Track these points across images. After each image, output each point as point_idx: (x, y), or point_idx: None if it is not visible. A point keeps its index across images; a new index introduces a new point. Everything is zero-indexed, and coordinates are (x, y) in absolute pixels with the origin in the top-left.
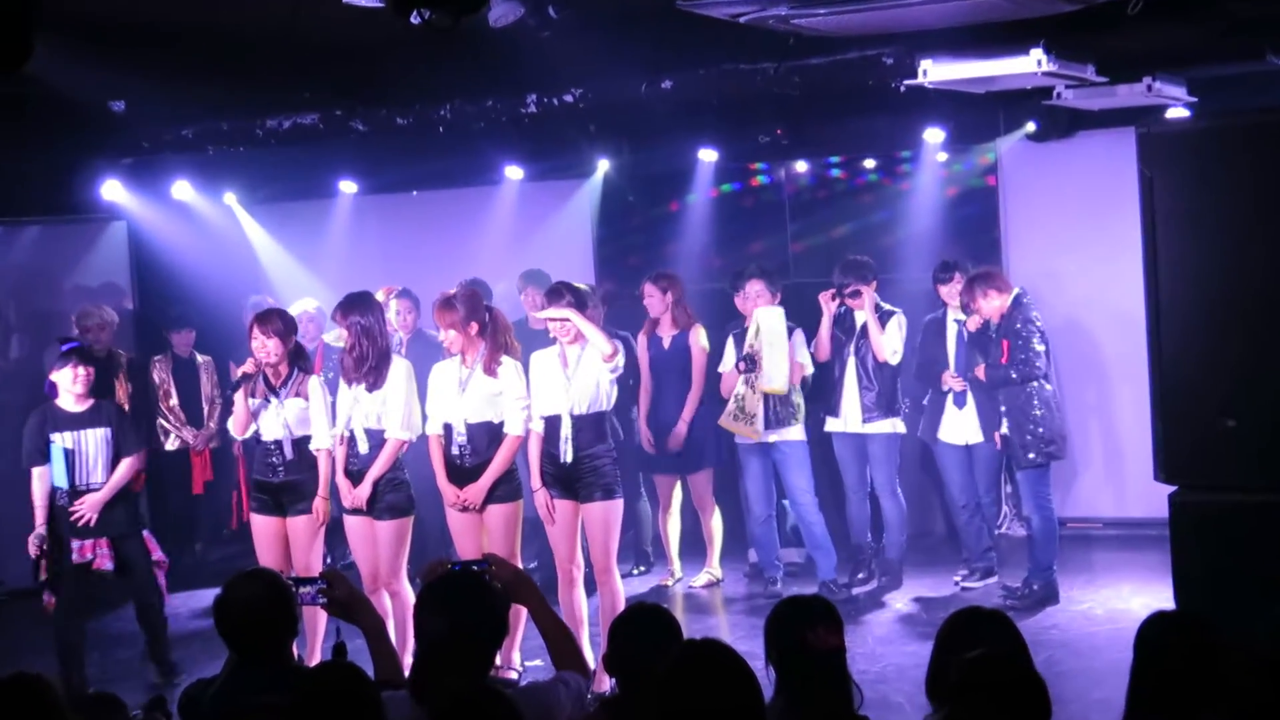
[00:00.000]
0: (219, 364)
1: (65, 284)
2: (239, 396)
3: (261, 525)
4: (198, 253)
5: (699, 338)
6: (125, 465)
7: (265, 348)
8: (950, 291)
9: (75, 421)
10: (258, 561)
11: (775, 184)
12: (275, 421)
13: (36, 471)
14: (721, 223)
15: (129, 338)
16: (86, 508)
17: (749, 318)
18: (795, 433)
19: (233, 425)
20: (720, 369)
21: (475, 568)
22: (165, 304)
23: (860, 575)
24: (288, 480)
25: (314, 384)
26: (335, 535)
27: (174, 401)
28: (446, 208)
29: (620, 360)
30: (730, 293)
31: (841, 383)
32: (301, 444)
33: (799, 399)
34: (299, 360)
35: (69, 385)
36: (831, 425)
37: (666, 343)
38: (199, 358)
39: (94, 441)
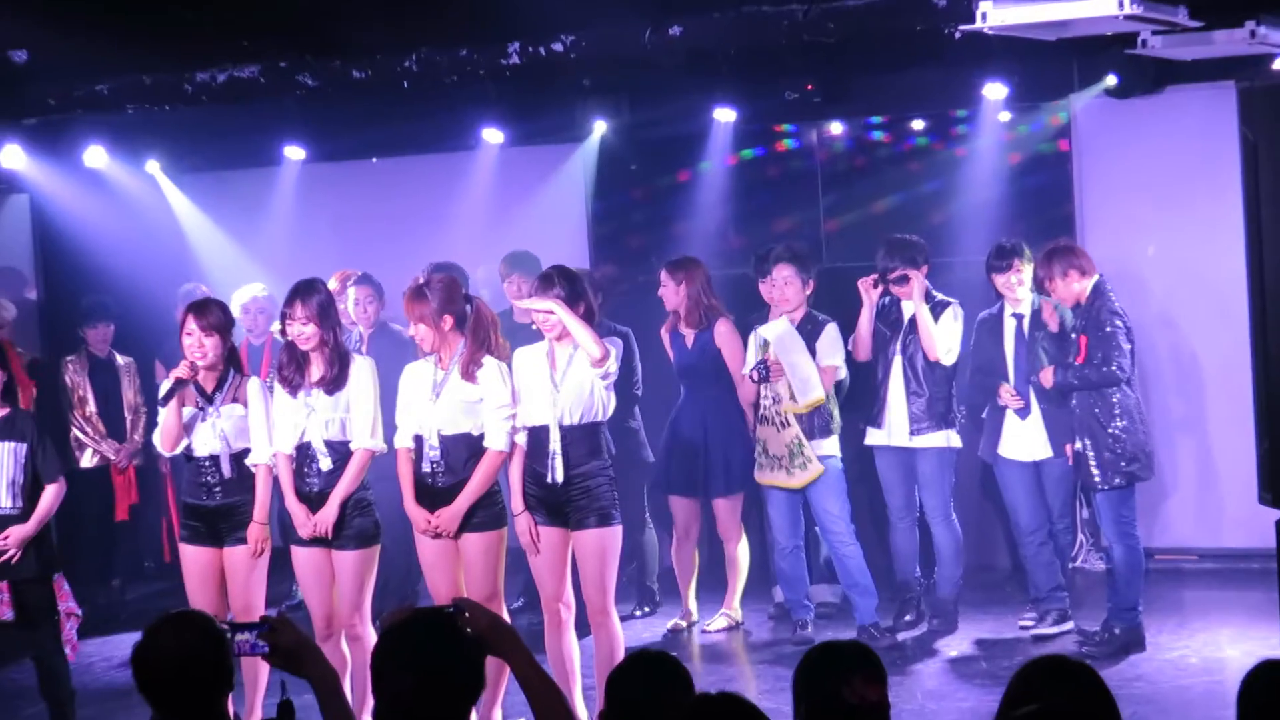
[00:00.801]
0: (143, 365)
1: None
2: (170, 407)
3: (193, 558)
4: (116, 232)
5: (724, 332)
6: (50, 494)
7: (203, 346)
8: (1007, 282)
9: None
10: (187, 602)
11: (805, 149)
12: (210, 434)
13: None
14: (741, 196)
15: (33, 334)
16: (11, 541)
17: (775, 309)
18: (828, 447)
19: (159, 439)
20: (742, 371)
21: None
22: (77, 294)
23: (907, 617)
24: (225, 503)
25: (253, 387)
26: (279, 571)
27: (90, 410)
28: (413, 178)
29: (613, 365)
30: (755, 279)
31: (885, 387)
32: (241, 459)
33: (833, 407)
34: (235, 360)
35: None
36: (873, 438)
37: (690, 341)
38: (119, 358)
39: (6, 458)
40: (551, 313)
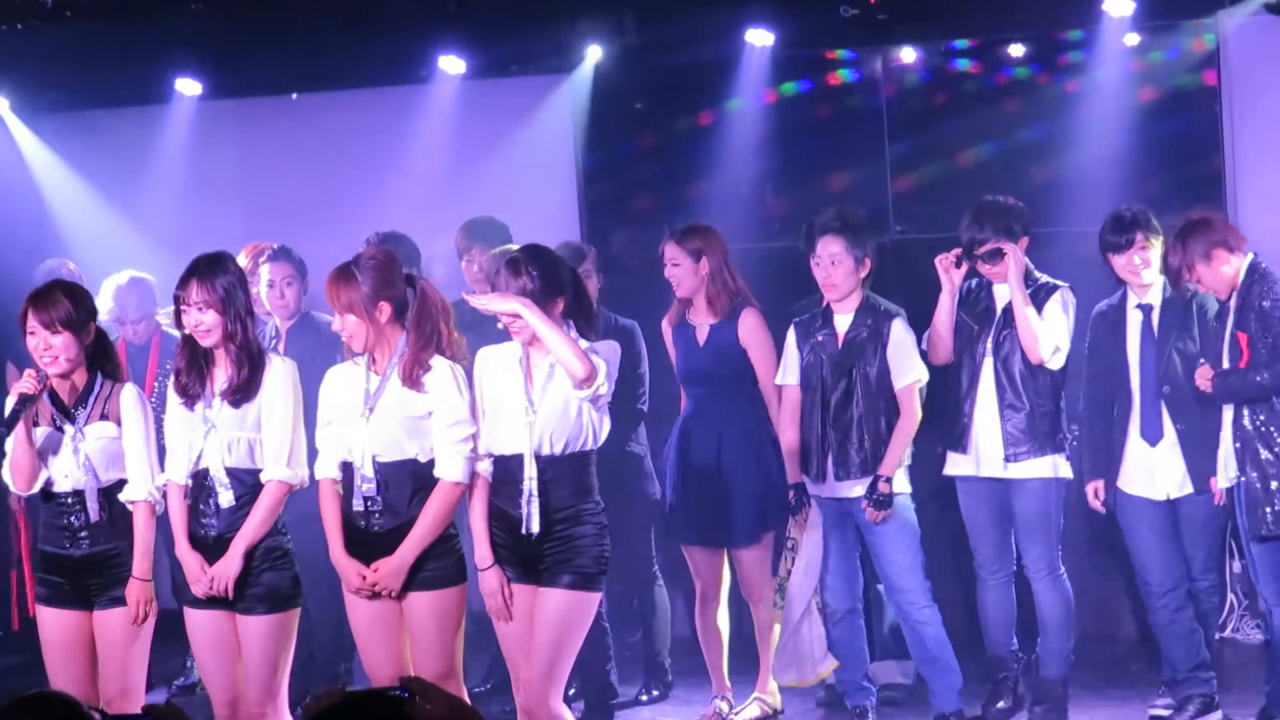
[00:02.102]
0: None
1: None
2: (18, 433)
3: (54, 624)
4: None
5: (753, 325)
6: None
7: (50, 348)
8: (1129, 264)
9: None
10: (46, 680)
11: (867, 82)
12: (71, 462)
13: None
14: (782, 144)
15: None
16: None
17: (828, 293)
18: (894, 481)
19: (8, 474)
20: (780, 379)
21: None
22: None
23: (1000, 704)
24: (94, 553)
25: (128, 397)
26: (169, 640)
27: None
28: (345, 119)
29: (603, 385)
30: (805, 255)
31: (971, 399)
32: (115, 495)
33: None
34: (102, 361)
35: None
36: (955, 467)
37: (702, 336)
38: None
39: None
40: (517, 316)
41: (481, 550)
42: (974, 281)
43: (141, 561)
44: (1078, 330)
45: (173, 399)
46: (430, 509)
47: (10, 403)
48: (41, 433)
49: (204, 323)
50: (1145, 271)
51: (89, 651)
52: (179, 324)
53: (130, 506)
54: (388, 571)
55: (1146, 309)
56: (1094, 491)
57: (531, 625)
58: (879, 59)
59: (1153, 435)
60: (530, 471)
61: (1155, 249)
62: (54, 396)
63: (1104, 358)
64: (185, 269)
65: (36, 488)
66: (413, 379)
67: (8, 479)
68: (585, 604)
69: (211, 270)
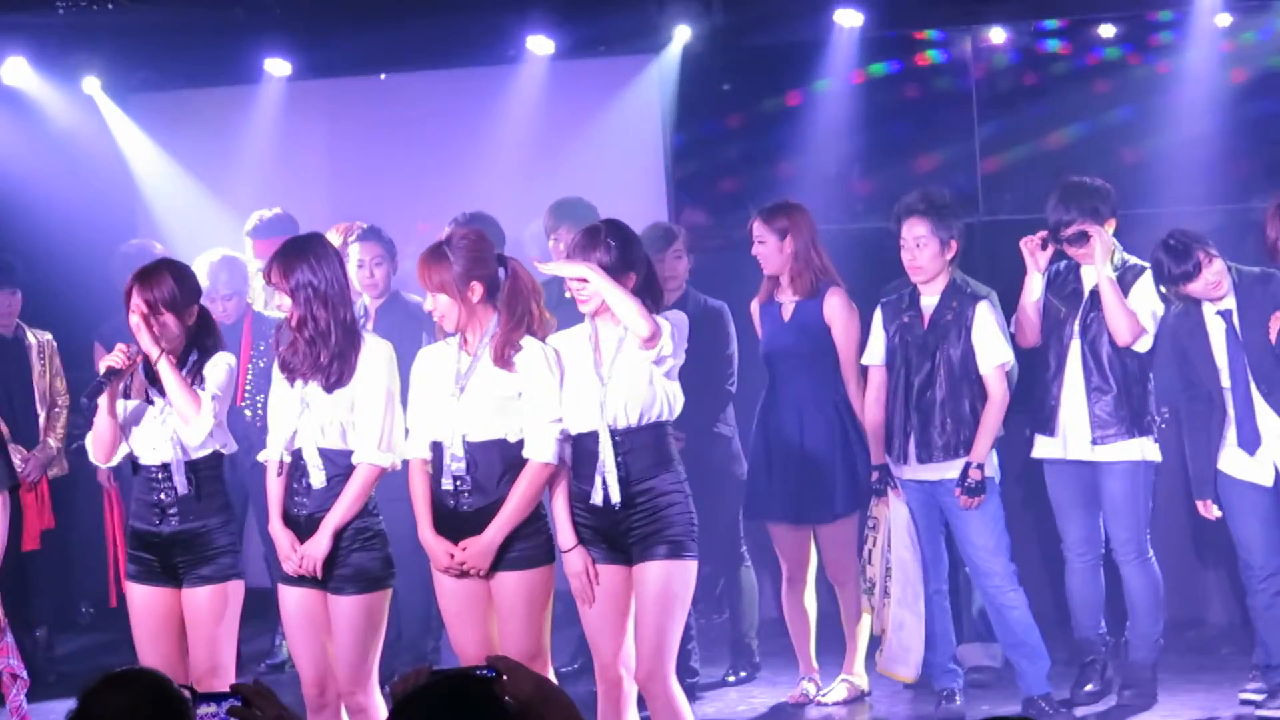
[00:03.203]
0: (65, 345)
1: None
2: (102, 408)
3: (143, 601)
4: (37, 169)
5: (838, 305)
6: None
7: (151, 330)
8: (1207, 286)
9: None
10: (135, 658)
11: (956, 63)
12: (158, 434)
13: None
14: (870, 125)
15: None
16: None
17: (913, 275)
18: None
19: (92, 446)
20: (866, 359)
21: (481, 674)
22: None
23: (1089, 687)
24: (182, 530)
25: (215, 363)
26: (261, 618)
27: None
28: (433, 100)
29: (667, 343)
30: (892, 234)
31: (1059, 382)
32: (205, 469)
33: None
34: (202, 338)
35: None
36: (1043, 449)
37: (788, 313)
38: (29, 336)
39: None
40: (585, 281)
41: (564, 533)
42: (1062, 264)
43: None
44: (1164, 319)
45: (277, 375)
46: (519, 489)
47: (99, 372)
48: (133, 405)
49: (284, 306)
50: (1225, 281)
51: (178, 629)
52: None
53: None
54: (476, 551)
55: (1226, 315)
56: (1204, 507)
57: (616, 606)
58: (968, 39)
59: (1250, 443)
60: (606, 444)
61: (1218, 263)
62: (148, 370)
63: (1192, 364)
64: (277, 251)
65: (115, 461)
66: (504, 359)
67: (91, 449)
68: (684, 572)
69: (286, 255)
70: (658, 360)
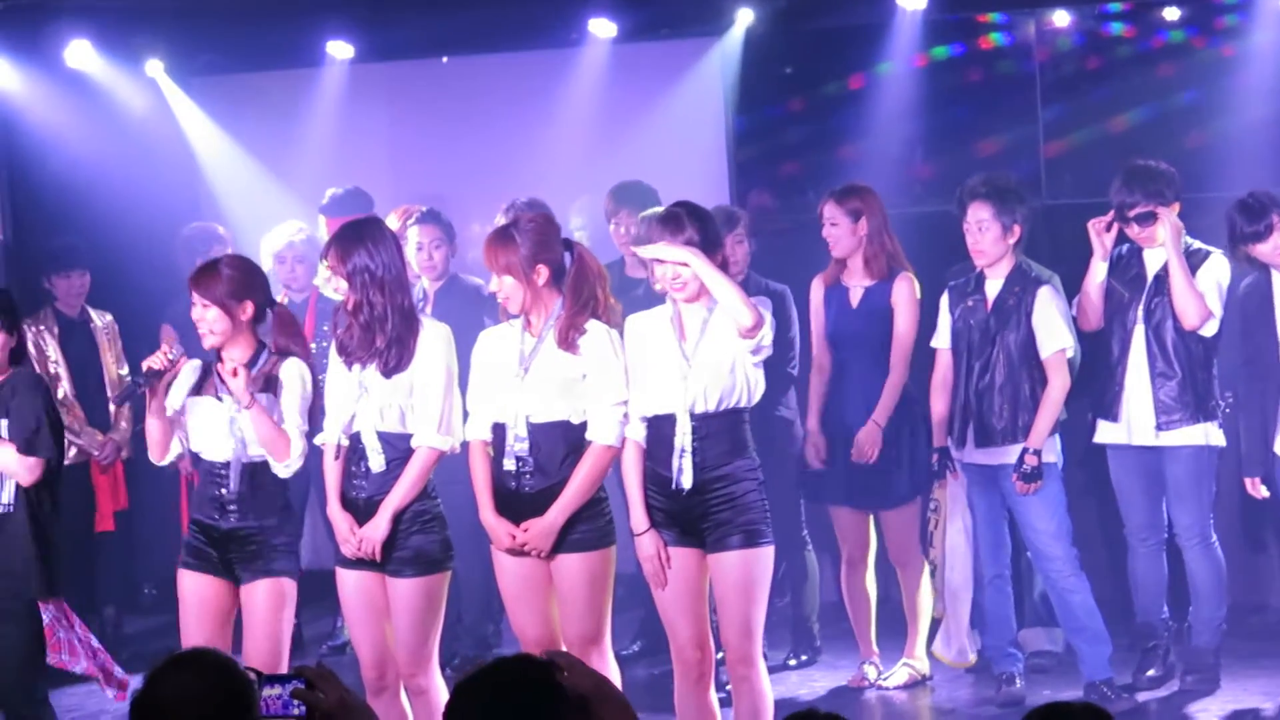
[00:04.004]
0: (130, 327)
1: None
2: (150, 406)
3: (194, 587)
4: (101, 151)
5: (906, 290)
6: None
7: (201, 321)
8: (1276, 250)
9: None
10: (179, 643)
11: (1019, 46)
12: (222, 430)
13: None
14: (933, 109)
15: None
16: None
17: (976, 259)
18: (1042, 450)
19: (148, 444)
20: (933, 343)
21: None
22: (52, 232)
23: (1151, 672)
24: (238, 528)
25: (289, 370)
26: (320, 599)
27: (65, 389)
28: (495, 83)
29: (767, 335)
30: (956, 218)
31: (1122, 367)
32: (264, 469)
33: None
34: (275, 335)
35: None
36: (1106, 435)
37: (855, 298)
38: (95, 317)
39: None
40: (685, 265)
41: (637, 515)
42: (1124, 248)
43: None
44: (1229, 299)
45: (334, 358)
46: (581, 471)
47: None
48: (203, 402)
49: (341, 289)
50: None
51: (223, 619)
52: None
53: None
54: (537, 532)
55: None
56: (1252, 485)
57: (690, 589)
58: (1031, 22)
59: None
60: (683, 428)
61: None
62: (212, 368)
63: (1254, 339)
64: (334, 234)
65: (169, 459)
66: (568, 342)
67: (149, 450)
68: (761, 559)
69: (343, 240)
70: (756, 349)
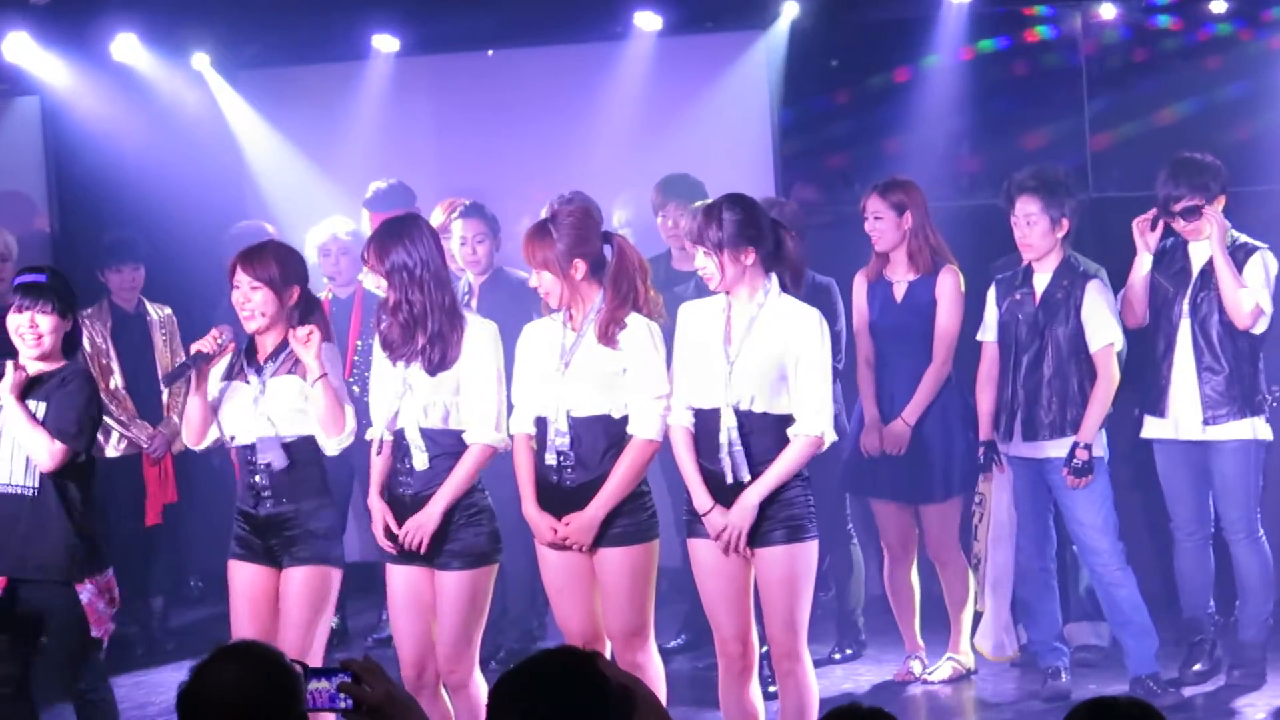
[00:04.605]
0: (185, 321)
1: None
2: (192, 389)
3: (242, 578)
4: (151, 146)
5: (950, 284)
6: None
7: (248, 302)
8: None
9: (28, 393)
10: (230, 634)
11: (1066, 39)
12: (249, 414)
13: None
14: (979, 101)
15: None
16: None
17: (1024, 253)
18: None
19: (184, 429)
20: (980, 336)
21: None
22: (100, 226)
23: (1197, 666)
24: (275, 513)
25: (334, 361)
26: (365, 592)
27: (116, 381)
28: (541, 76)
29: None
30: (1003, 211)
31: (1168, 362)
32: (300, 450)
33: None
34: (305, 319)
35: (15, 339)
36: (1153, 430)
37: (900, 292)
38: (151, 311)
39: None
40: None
41: (699, 496)
42: (1168, 242)
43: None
44: (1277, 293)
45: (378, 354)
46: (623, 465)
47: (191, 351)
48: (233, 387)
49: (381, 286)
50: None
51: (272, 609)
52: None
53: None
54: (579, 526)
55: None
56: None
57: (735, 582)
58: (1078, 15)
59: None
60: (728, 423)
61: None
62: (250, 352)
63: None
64: (375, 232)
65: (206, 444)
66: (608, 336)
67: (183, 433)
68: (805, 554)
69: (381, 238)
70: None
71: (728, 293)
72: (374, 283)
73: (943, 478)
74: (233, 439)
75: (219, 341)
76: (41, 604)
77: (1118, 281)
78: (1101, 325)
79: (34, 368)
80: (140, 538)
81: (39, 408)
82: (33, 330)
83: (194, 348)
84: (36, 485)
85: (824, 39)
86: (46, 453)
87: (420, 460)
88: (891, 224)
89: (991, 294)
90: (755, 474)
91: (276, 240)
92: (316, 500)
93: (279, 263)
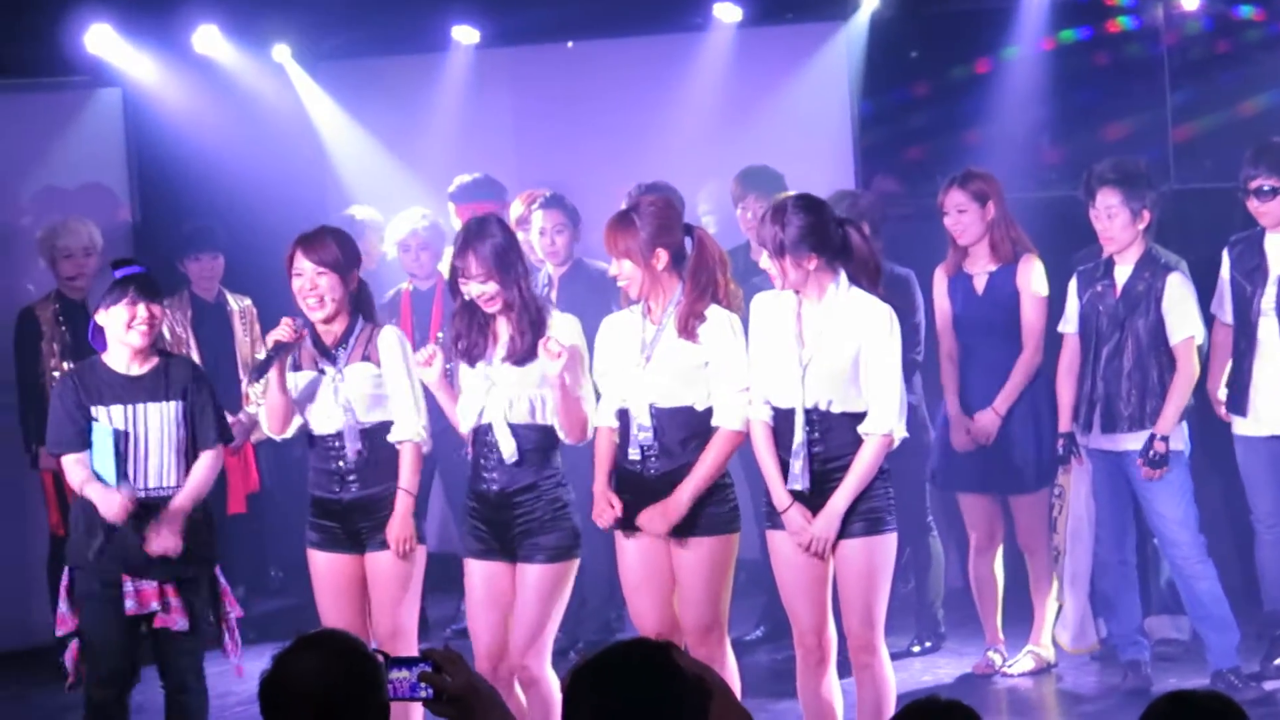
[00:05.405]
0: (265, 312)
1: (23, 187)
2: (273, 379)
3: (327, 568)
4: (231, 137)
5: (1031, 275)
6: (206, 462)
7: (315, 289)
8: None
9: (129, 390)
10: (318, 623)
11: (1148, 30)
12: (330, 403)
13: (69, 461)
14: (1060, 93)
15: None
16: (166, 531)
17: (1105, 245)
18: (1170, 438)
19: (267, 419)
20: (1061, 328)
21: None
22: (179, 216)
23: (1278, 661)
24: (363, 496)
25: (388, 338)
26: (442, 583)
27: None
28: (620, 67)
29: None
30: (1083, 203)
31: (1250, 358)
32: (378, 436)
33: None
34: (364, 307)
35: (121, 332)
36: (1237, 426)
37: (980, 284)
38: (231, 301)
39: (159, 422)
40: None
41: (778, 492)
42: (1241, 241)
43: (404, 499)
44: None
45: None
46: (710, 455)
47: (266, 346)
48: (304, 377)
49: (486, 292)
50: None
51: (360, 594)
52: (454, 290)
53: (398, 446)
54: (658, 514)
55: None
56: None
57: (813, 576)
58: (1160, 6)
59: None
60: (800, 421)
61: None
62: (316, 341)
63: None
64: (458, 238)
65: (290, 433)
66: (688, 330)
67: (264, 421)
68: (884, 547)
69: (481, 238)
70: None
71: (796, 291)
72: (478, 290)
73: (1035, 468)
74: (312, 429)
75: (294, 329)
76: (196, 598)
77: (1200, 274)
78: (1182, 318)
79: (138, 365)
80: (219, 527)
81: (170, 406)
82: (149, 322)
83: (270, 338)
84: (176, 484)
85: (904, 30)
86: (215, 470)
87: (508, 453)
88: (976, 216)
89: (1073, 285)
90: (829, 470)
91: (330, 225)
92: (395, 481)
93: (339, 246)
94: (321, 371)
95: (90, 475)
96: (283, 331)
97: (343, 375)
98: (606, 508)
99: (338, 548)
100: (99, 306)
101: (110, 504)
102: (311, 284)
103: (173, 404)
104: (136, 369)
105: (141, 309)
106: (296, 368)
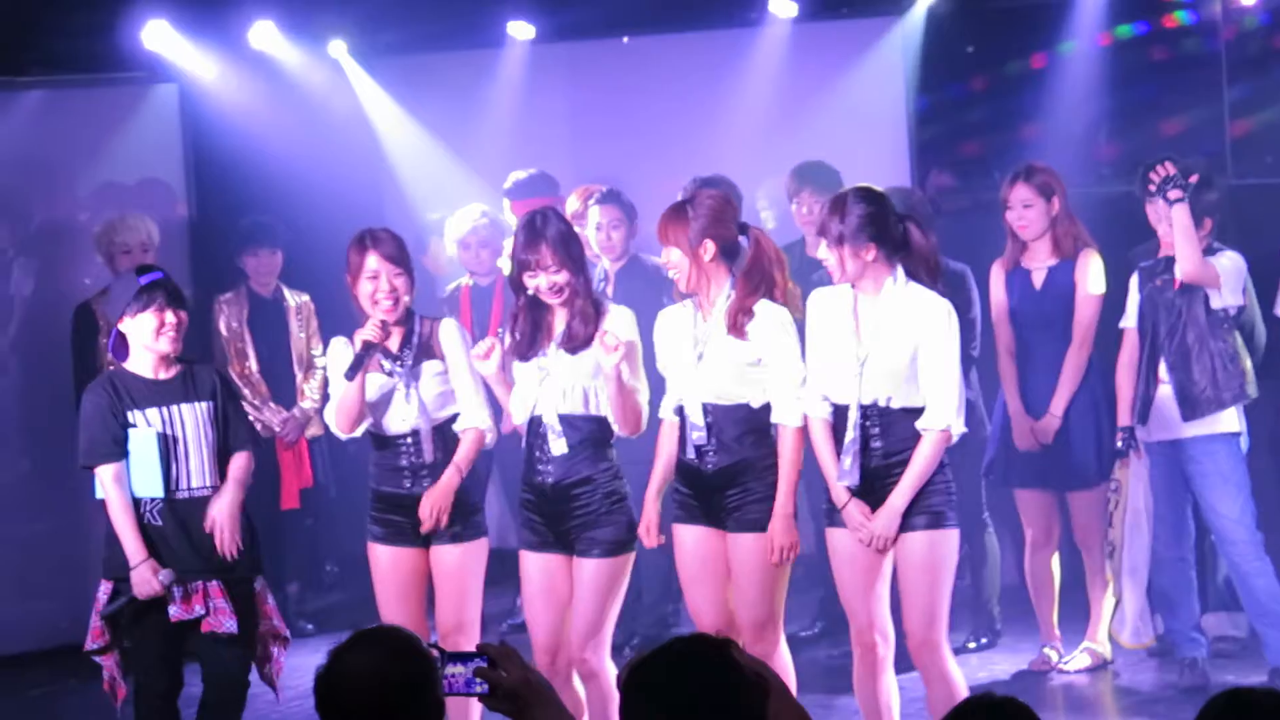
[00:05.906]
0: (323, 308)
1: (80, 183)
2: (355, 381)
3: (390, 562)
4: (287, 132)
5: (1089, 270)
6: (242, 461)
7: (394, 290)
8: None
9: (162, 393)
10: (376, 617)
11: (1205, 24)
12: (404, 404)
13: (106, 473)
14: (1117, 88)
15: (180, 264)
16: (224, 519)
17: (1165, 240)
18: (1225, 422)
19: (335, 417)
20: (1122, 323)
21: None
22: (238, 212)
23: None
24: None
25: (448, 330)
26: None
27: (252, 365)
28: (675, 62)
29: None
30: (1139, 198)
31: None
32: (448, 431)
33: (1246, 364)
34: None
35: (150, 340)
36: None
37: (1039, 279)
38: (288, 297)
39: (194, 422)
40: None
41: (836, 490)
42: None
43: (452, 473)
44: None
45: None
46: (784, 457)
47: (344, 354)
48: (374, 380)
49: (557, 282)
50: None
51: (421, 589)
52: (515, 286)
53: (460, 434)
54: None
55: None
56: None
57: (870, 571)
58: (1217, 1)
59: None
60: (854, 419)
61: None
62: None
63: None
64: (522, 229)
65: (359, 432)
66: (737, 327)
67: (331, 423)
68: (946, 542)
69: (548, 228)
70: None
71: (853, 285)
72: (546, 281)
73: (1095, 463)
74: (383, 427)
75: (382, 327)
76: (245, 600)
77: (1259, 270)
78: (1231, 290)
79: (164, 371)
80: (276, 523)
81: (202, 406)
82: (177, 329)
83: (359, 338)
84: (213, 484)
85: (960, 25)
86: (249, 470)
87: (559, 446)
88: (1041, 210)
89: (1134, 281)
90: (889, 464)
91: (386, 228)
92: (469, 476)
93: (402, 247)
94: (390, 374)
95: (129, 519)
96: (370, 331)
97: (415, 375)
98: (648, 528)
99: (402, 542)
100: (123, 314)
101: (146, 584)
102: (390, 285)
103: (204, 404)
104: (163, 375)
105: (170, 315)
106: (357, 368)
